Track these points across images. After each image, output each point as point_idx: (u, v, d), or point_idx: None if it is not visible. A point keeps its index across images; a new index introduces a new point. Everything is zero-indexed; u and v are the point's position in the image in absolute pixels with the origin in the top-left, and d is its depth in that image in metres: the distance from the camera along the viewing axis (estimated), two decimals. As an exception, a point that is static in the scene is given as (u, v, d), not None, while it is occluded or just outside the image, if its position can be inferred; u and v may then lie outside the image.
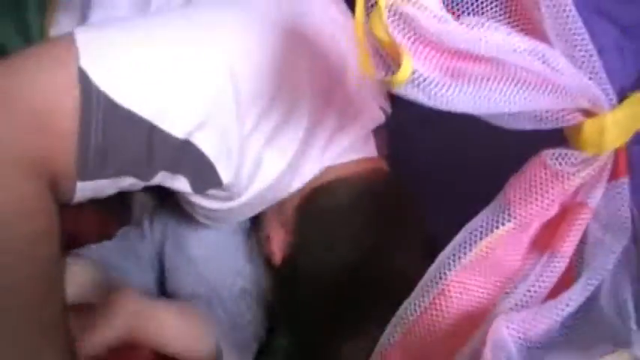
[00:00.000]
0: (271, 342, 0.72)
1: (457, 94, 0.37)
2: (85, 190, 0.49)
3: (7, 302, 0.44)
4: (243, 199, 0.56)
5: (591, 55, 0.41)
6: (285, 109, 0.54)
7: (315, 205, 0.61)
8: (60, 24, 0.60)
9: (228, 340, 0.65)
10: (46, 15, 0.60)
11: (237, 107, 0.51)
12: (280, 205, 0.62)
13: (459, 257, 0.46)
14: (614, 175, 0.43)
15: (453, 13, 0.40)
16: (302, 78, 0.54)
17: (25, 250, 0.44)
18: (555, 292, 0.45)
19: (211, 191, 0.56)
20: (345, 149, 0.60)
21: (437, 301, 0.46)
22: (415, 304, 0.47)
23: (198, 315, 0.66)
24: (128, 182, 0.51)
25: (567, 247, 0.44)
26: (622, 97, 0.44)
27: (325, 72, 0.57)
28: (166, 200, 0.75)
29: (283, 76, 0.53)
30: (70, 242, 0.55)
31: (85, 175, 0.47)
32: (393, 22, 0.36)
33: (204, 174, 0.53)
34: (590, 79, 0.41)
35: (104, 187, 0.50)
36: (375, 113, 0.64)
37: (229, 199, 0.57)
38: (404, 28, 0.37)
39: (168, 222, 0.74)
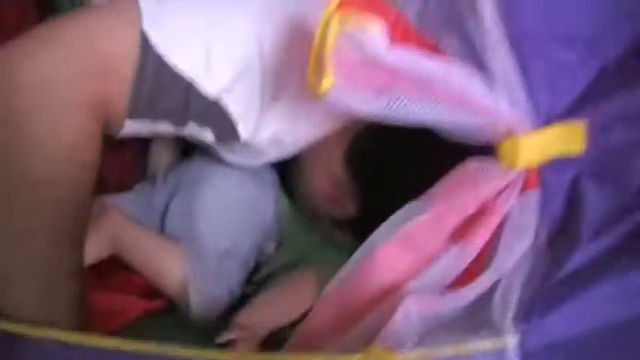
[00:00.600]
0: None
1: (382, 106, 0.45)
2: (131, 127, 0.59)
3: (46, 212, 0.53)
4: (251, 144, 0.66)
5: (515, 86, 0.49)
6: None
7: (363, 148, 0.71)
8: None
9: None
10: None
11: (262, 74, 0.59)
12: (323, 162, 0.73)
13: (392, 231, 0.55)
14: (525, 187, 0.51)
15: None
16: None
17: (72, 177, 0.54)
18: (461, 279, 0.53)
19: (230, 141, 0.66)
20: None
21: (366, 263, 0.55)
22: (351, 262, 0.56)
23: (173, 245, 0.76)
24: (164, 126, 0.61)
25: (477, 241, 0.52)
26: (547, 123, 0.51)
27: None
28: (182, 159, 0.87)
29: (301, 50, 0.59)
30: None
31: (134, 114, 0.57)
32: (342, 39, 0.45)
33: (226, 129, 0.63)
34: (512, 105, 0.49)
35: (145, 127, 0.60)
36: None
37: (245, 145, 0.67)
38: (350, 48, 0.45)
39: (181, 179, 0.83)
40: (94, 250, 0.71)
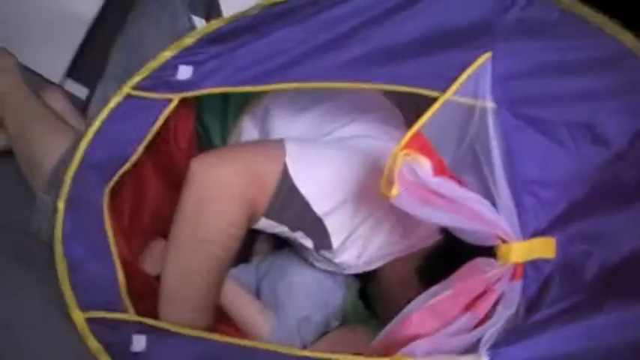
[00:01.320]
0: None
1: (425, 212, 0.73)
2: (263, 223, 0.86)
3: (205, 260, 0.82)
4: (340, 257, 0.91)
5: (511, 211, 0.77)
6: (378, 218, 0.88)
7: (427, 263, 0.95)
8: (246, 128, 1.01)
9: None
10: (237, 121, 1.02)
11: (356, 205, 0.86)
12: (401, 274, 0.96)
13: (425, 302, 0.80)
14: (512, 277, 0.77)
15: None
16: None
17: (225, 242, 0.82)
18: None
19: (323, 252, 0.91)
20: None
21: (405, 322, 0.80)
22: (392, 322, 0.81)
23: (263, 307, 1.01)
24: (282, 229, 0.88)
25: (480, 311, 0.78)
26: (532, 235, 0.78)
27: None
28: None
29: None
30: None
31: (268, 215, 0.85)
32: (403, 165, 0.74)
33: (324, 240, 0.88)
34: (508, 223, 0.77)
35: (271, 226, 0.87)
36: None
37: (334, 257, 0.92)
38: (408, 171, 0.74)
39: (273, 264, 1.09)
40: None
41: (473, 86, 0.79)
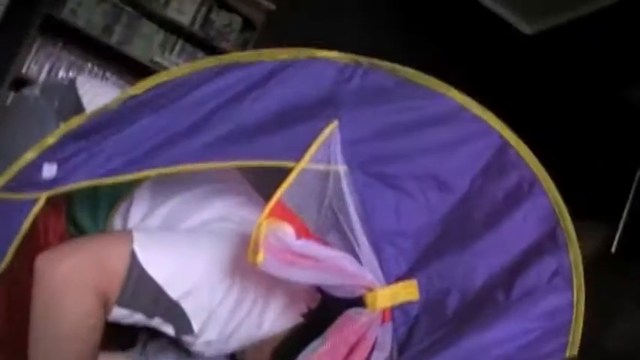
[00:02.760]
0: None
1: (292, 273, 0.79)
2: (116, 313, 0.84)
3: (70, 355, 0.80)
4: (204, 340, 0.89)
5: (373, 261, 0.84)
6: (242, 293, 0.88)
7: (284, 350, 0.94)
8: (115, 225, 1.02)
9: None
10: (108, 215, 1.03)
11: (212, 287, 0.86)
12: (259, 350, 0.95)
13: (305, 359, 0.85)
14: (382, 321, 0.84)
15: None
16: (256, 277, 0.87)
17: (86, 335, 0.81)
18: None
19: (185, 336, 0.89)
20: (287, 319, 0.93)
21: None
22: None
23: None
24: (138, 317, 0.86)
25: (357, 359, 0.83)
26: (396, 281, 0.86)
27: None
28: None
29: (243, 272, 0.88)
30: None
31: (121, 303, 0.84)
32: (268, 232, 0.79)
33: (184, 324, 0.86)
34: (371, 272, 0.84)
35: (126, 316, 0.85)
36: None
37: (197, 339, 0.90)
38: (272, 237, 0.80)
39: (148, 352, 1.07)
40: None
41: (325, 153, 0.87)
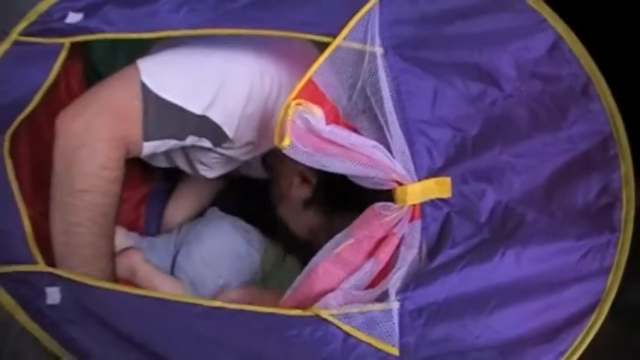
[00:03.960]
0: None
1: (319, 160, 0.73)
2: (148, 148, 0.83)
3: (86, 210, 0.79)
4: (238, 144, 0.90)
5: (405, 153, 0.77)
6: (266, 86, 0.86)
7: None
8: None
9: None
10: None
11: (233, 92, 0.83)
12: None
13: (329, 253, 0.81)
14: (412, 218, 0.78)
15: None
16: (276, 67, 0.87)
17: (104, 188, 0.79)
18: (373, 282, 0.79)
19: (224, 145, 0.89)
20: None
21: (311, 275, 0.80)
22: (301, 274, 0.82)
23: (175, 281, 0.99)
24: (172, 143, 0.85)
25: (382, 257, 0.78)
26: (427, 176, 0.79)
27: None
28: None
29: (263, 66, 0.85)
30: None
31: (148, 138, 0.82)
32: (296, 115, 0.73)
33: (218, 134, 0.86)
34: (403, 165, 0.77)
35: (158, 146, 0.84)
36: None
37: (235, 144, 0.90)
38: (300, 120, 0.73)
39: (189, 232, 1.08)
40: (117, 273, 0.93)
41: (362, 32, 0.79)
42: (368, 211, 0.79)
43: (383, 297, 0.76)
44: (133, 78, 0.82)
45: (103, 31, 0.83)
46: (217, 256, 1.03)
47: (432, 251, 0.77)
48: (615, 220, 0.83)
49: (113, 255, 0.85)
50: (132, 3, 0.84)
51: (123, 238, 1.05)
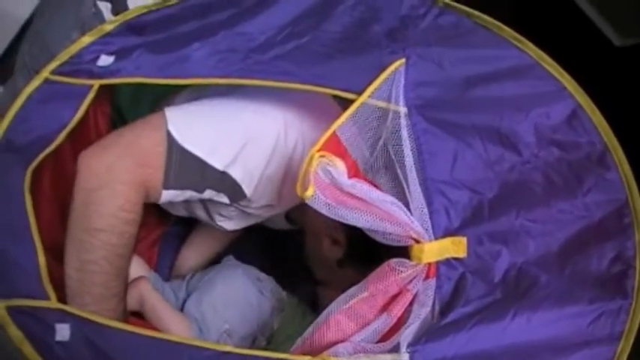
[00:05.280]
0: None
1: (339, 212, 0.74)
2: (166, 196, 0.84)
3: (101, 250, 0.79)
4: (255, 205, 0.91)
5: (423, 212, 0.78)
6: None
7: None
8: None
9: None
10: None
11: (257, 151, 0.85)
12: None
13: (342, 305, 0.81)
14: (427, 276, 0.79)
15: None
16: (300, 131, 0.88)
17: (120, 229, 0.80)
18: (385, 337, 0.79)
19: (241, 202, 0.89)
20: None
21: (323, 326, 0.80)
22: (312, 325, 0.81)
23: (182, 317, 0.99)
24: (189, 194, 0.86)
25: (395, 312, 0.78)
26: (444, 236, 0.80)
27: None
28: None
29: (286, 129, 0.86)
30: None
31: (168, 186, 0.83)
32: (319, 166, 0.74)
33: (236, 191, 0.87)
34: (421, 223, 0.78)
35: (176, 195, 0.85)
36: None
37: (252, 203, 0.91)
38: (323, 173, 0.74)
39: (203, 278, 1.08)
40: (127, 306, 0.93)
41: (387, 90, 0.81)
42: (384, 266, 0.80)
43: (393, 350, 0.76)
44: (159, 125, 0.83)
45: (133, 75, 0.85)
46: (226, 302, 1.03)
47: (445, 308, 0.78)
48: (628, 287, 0.83)
49: (125, 295, 0.85)
50: (163, 49, 0.87)
51: (139, 267, 1.06)
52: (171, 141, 0.82)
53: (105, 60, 0.86)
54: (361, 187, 0.76)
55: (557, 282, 0.82)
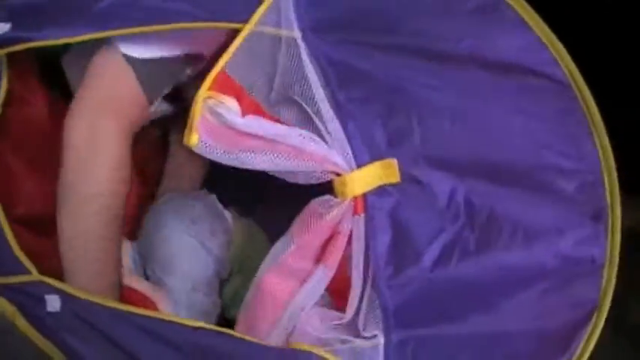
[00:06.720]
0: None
1: (238, 157, 0.64)
2: (152, 108, 0.80)
3: (99, 215, 0.76)
4: None
5: (340, 138, 0.68)
6: None
7: None
8: None
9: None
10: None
11: None
12: None
13: (271, 264, 0.72)
14: (355, 212, 0.69)
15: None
16: None
17: (114, 189, 0.77)
18: (331, 286, 0.71)
19: None
20: None
21: (256, 293, 0.72)
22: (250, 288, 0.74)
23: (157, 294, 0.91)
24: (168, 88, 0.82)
25: (332, 260, 0.69)
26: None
27: None
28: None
29: None
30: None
31: (152, 100, 0.79)
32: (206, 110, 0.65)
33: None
34: (339, 154, 0.68)
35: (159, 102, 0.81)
36: None
37: None
38: (211, 114, 0.65)
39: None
40: None
41: (275, 15, 0.71)
42: (307, 211, 0.70)
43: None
44: (113, 59, 0.77)
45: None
46: (175, 261, 0.95)
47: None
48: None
49: (120, 261, 0.83)
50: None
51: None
52: (130, 61, 0.77)
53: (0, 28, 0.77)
54: (260, 124, 0.67)
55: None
